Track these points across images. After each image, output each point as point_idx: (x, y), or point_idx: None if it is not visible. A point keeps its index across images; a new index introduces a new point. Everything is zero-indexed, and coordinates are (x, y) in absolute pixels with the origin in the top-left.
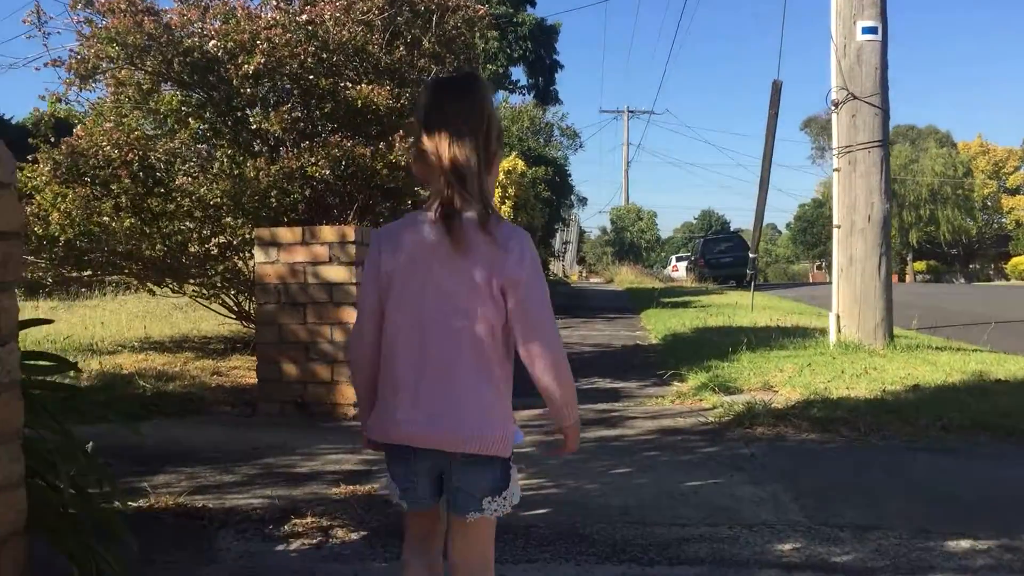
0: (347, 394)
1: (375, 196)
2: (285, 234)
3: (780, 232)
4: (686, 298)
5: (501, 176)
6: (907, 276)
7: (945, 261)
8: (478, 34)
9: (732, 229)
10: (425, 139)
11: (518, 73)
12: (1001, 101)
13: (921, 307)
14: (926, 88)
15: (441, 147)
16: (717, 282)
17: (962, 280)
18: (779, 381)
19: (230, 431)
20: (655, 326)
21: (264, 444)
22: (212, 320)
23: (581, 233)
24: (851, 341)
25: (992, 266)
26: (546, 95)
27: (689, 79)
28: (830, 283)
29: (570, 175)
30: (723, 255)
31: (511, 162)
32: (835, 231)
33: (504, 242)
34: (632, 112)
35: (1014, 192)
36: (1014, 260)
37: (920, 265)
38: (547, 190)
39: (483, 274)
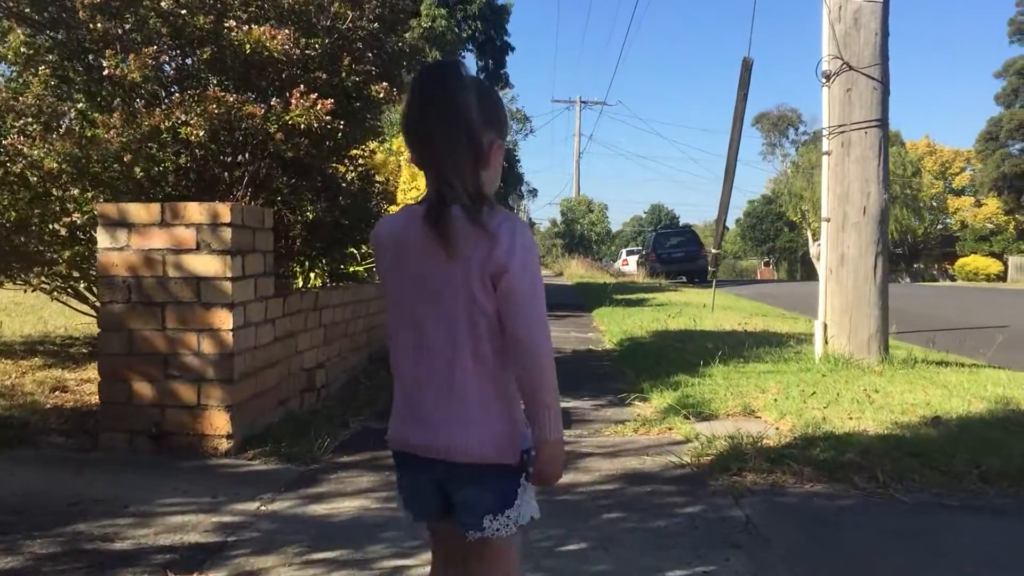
0: (217, 423)
1: (272, 168)
2: (138, 212)
3: (728, 228)
4: (640, 295)
5: None
6: None
7: (890, 260)
8: None
9: (682, 224)
10: (406, 137)
11: (468, 60)
12: (948, 102)
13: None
14: None
15: (422, 145)
16: (669, 278)
17: (907, 279)
18: (762, 405)
19: (52, 475)
20: (609, 327)
21: (89, 497)
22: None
23: (531, 224)
24: (840, 354)
25: (936, 266)
26: (496, 78)
27: (643, 70)
28: (782, 280)
29: (519, 161)
30: (675, 250)
31: None
32: (823, 226)
33: (494, 231)
34: (585, 103)
35: (959, 193)
36: (961, 260)
37: None
38: None
39: (475, 266)
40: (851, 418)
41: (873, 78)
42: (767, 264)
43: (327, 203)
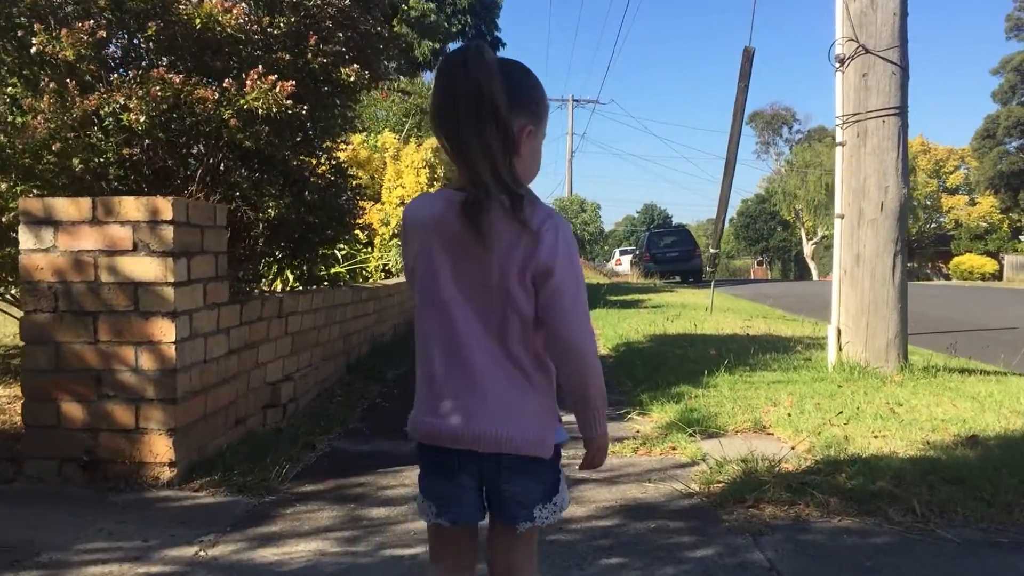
0: (158, 449)
1: (229, 159)
2: (65, 208)
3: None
4: (635, 296)
5: (428, 155)
6: None
7: None
8: None
9: (674, 224)
10: (434, 128)
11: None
12: (942, 100)
13: None
14: None
15: (449, 134)
16: (663, 278)
17: None
18: (774, 420)
19: None
20: (604, 331)
21: None
22: None
23: None
24: (856, 362)
25: (930, 265)
26: None
27: (636, 68)
28: (776, 280)
29: None
30: (670, 250)
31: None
32: (837, 223)
33: (537, 228)
34: (577, 101)
35: (953, 192)
36: (956, 259)
37: None
38: None
39: (514, 264)
40: (876, 437)
41: (892, 62)
42: (760, 263)
43: (292, 199)
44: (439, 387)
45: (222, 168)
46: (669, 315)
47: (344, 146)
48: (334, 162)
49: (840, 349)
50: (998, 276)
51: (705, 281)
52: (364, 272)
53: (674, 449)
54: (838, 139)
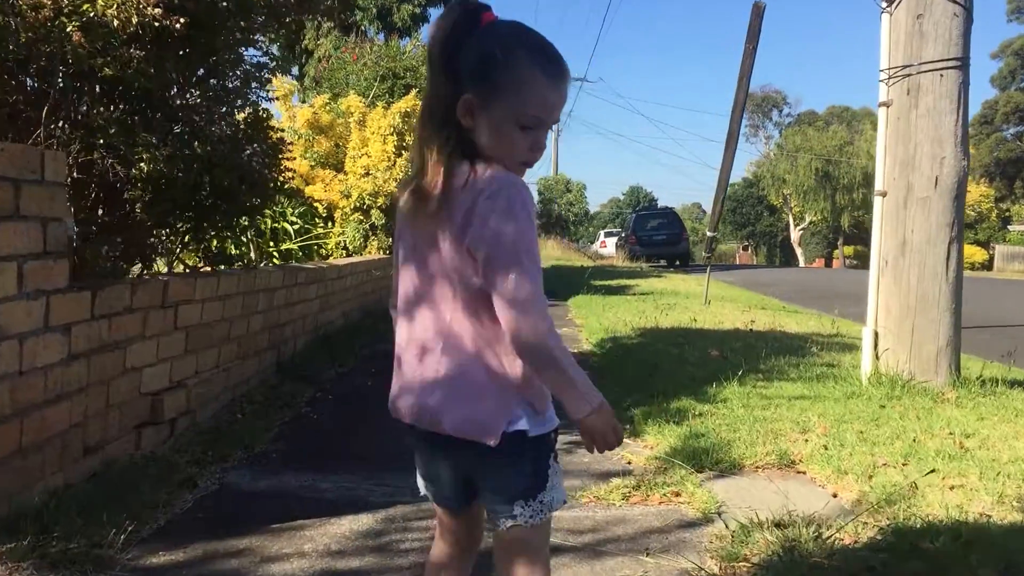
0: None
1: (89, 94)
2: None
3: (705, 211)
4: (621, 281)
5: (398, 121)
6: (834, 261)
7: (870, 246)
8: None
9: (660, 206)
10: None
11: (437, 14)
12: None
13: None
14: (860, 70)
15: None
16: (649, 261)
17: None
18: (807, 453)
19: None
20: (587, 321)
21: None
22: None
23: None
24: (897, 374)
25: None
26: None
27: (625, 47)
28: (763, 266)
29: None
30: (656, 232)
31: (409, 103)
32: (877, 202)
33: (475, 196)
34: None
35: None
36: None
37: (848, 250)
38: None
39: (457, 236)
40: (952, 487)
41: (954, 1)
42: (745, 248)
43: (173, 151)
44: (401, 363)
45: (83, 108)
46: (660, 304)
47: (266, 86)
48: (248, 112)
49: (877, 357)
50: (988, 266)
51: (693, 265)
52: (323, 250)
53: (678, 495)
54: (881, 98)
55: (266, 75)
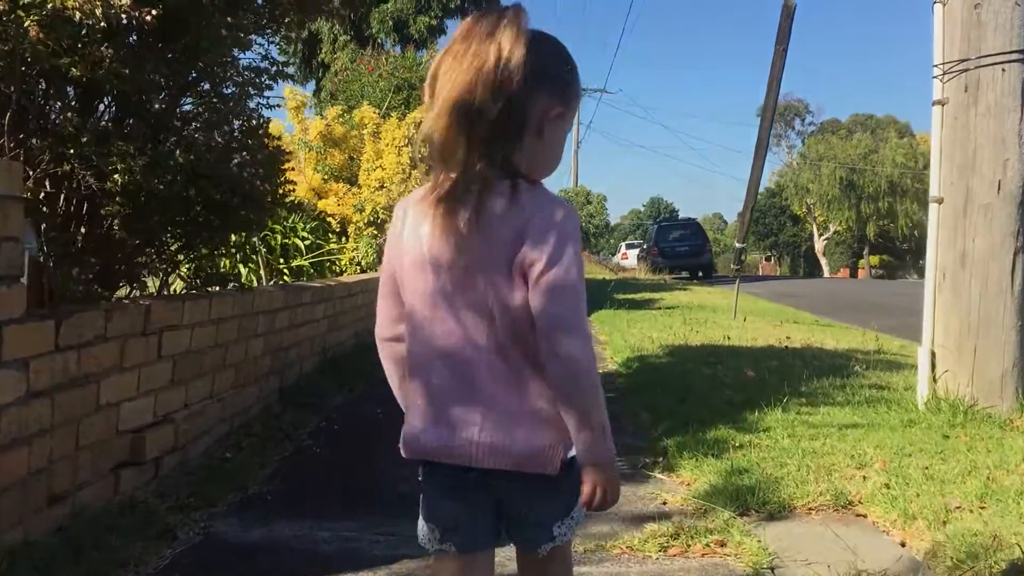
0: None
1: (57, 98)
2: None
3: (727, 222)
4: (645, 294)
5: (412, 132)
6: (860, 271)
7: (896, 256)
8: None
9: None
10: (432, 81)
11: (455, 26)
12: None
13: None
14: (881, 77)
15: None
16: (672, 274)
17: (915, 276)
18: (868, 492)
19: None
20: (612, 339)
21: None
22: None
23: None
24: (958, 399)
25: None
26: None
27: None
28: (788, 277)
29: None
30: (679, 244)
31: (422, 112)
32: (932, 209)
33: (530, 215)
34: (584, 90)
35: None
36: None
37: (874, 260)
38: None
39: (505, 255)
40: None
41: None
42: (768, 259)
43: (149, 160)
44: (434, 397)
45: (52, 113)
46: (687, 319)
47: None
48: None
49: (935, 380)
50: None
51: (717, 277)
52: (336, 267)
53: (723, 545)
54: (935, 96)
55: (266, 81)
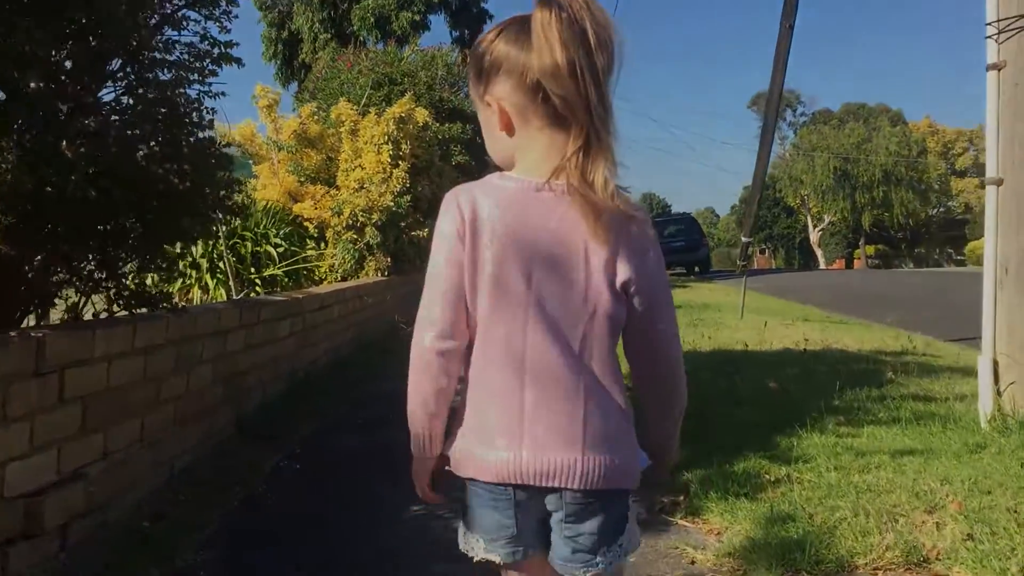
0: None
1: None
2: None
3: (719, 216)
4: None
5: (392, 128)
6: (855, 262)
7: (892, 245)
8: None
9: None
10: (551, 77)
11: (438, 22)
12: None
13: (946, 307)
14: (871, 65)
15: (586, 94)
16: (669, 270)
17: (911, 265)
18: (945, 546)
19: None
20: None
21: None
22: None
23: None
24: None
25: (938, 251)
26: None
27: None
28: (783, 269)
29: None
30: (674, 239)
31: (403, 107)
32: (990, 192)
33: (628, 222)
34: None
35: (962, 174)
36: (972, 244)
37: (869, 250)
38: (463, 153)
39: (604, 261)
40: None
41: None
42: (763, 252)
43: (24, 153)
44: (514, 414)
45: None
46: (694, 319)
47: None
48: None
49: (999, 393)
50: None
51: (714, 272)
52: (315, 275)
53: None
54: (989, 59)
55: (208, 65)
